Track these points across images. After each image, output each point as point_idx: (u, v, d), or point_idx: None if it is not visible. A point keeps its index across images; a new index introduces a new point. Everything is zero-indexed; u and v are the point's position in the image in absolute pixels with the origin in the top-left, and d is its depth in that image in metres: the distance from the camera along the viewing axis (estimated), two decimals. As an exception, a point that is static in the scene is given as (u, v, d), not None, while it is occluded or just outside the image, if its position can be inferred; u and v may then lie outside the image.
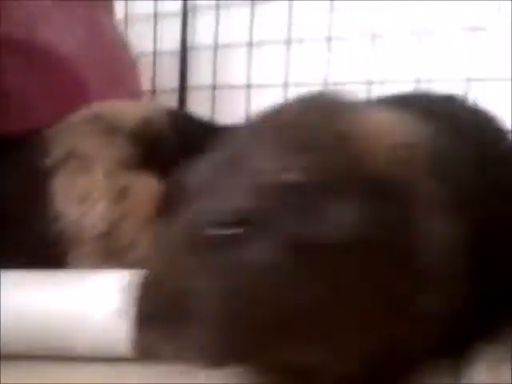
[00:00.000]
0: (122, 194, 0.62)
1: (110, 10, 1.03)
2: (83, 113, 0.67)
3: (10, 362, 0.53)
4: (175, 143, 0.65)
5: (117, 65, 0.99)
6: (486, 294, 0.46)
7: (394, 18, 1.02)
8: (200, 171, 0.43)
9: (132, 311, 0.39)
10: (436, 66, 0.99)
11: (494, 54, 0.94)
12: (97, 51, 0.91)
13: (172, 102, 1.23)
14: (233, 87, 1.18)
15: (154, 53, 1.25)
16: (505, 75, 0.90)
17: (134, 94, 1.05)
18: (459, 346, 0.48)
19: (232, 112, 1.18)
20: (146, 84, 1.22)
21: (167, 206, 0.53)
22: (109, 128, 0.64)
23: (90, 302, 0.56)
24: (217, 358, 0.37)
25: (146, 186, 0.62)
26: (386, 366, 0.45)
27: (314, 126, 0.43)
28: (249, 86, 1.16)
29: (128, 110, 0.67)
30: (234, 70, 1.18)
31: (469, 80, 0.93)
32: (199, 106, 1.21)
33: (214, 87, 1.20)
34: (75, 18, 0.91)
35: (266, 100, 1.14)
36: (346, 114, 0.45)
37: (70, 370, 0.55)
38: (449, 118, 0.55)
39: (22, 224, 0.62)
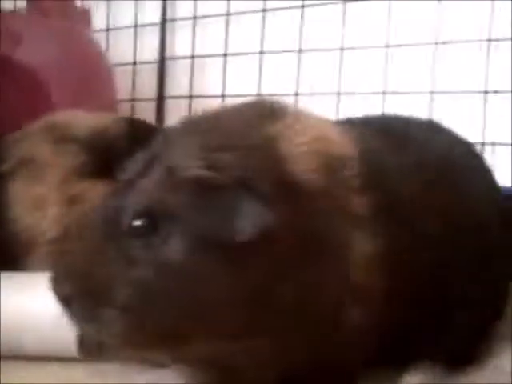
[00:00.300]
0: (74, 201, 0.64)
1: (86, 21, 1.06)
2: (40, 122, 0.70)
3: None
4: (131, 151, 0.68)
5: (91, 75, 1.02)
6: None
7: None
8: (127, 168, 0.45)
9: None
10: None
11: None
12: (70, 63, 0.94)
13: (150, 110, 1.26)
14: (209, 97, 1.21)
15: (134, 63, 1.28)
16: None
17: (109, 103, 1.08)
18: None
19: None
20: (125, 93, 1.26)
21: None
22: (62, 137, 0.67)
23: (41, 303, 0.59)
24: (129, 341, 0.40)
25: (98, 193, 0.65)
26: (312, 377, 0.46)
27: (242, 128, 0.45)
28: (224, 96, 1.19)
29: (83, 120, 0.69)
30: (209, 81, 1.21)
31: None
32: (176, 115, 1.24)
33: (190, 97, 1.23)
34: (50, 31, 0.94)
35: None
36: (278, 119, 0.46)
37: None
38: (411, 140, 0.57)
39: None
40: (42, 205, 0.64)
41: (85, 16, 1.06)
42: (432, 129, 0.64)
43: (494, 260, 0.55)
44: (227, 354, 0.41)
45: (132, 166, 0.45)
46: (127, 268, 0.40)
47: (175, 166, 0.41)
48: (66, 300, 0.41)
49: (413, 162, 0.53)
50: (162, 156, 0.43)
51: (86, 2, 1.29)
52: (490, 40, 0.93)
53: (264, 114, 0.47)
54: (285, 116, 0.47)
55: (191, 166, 0.40)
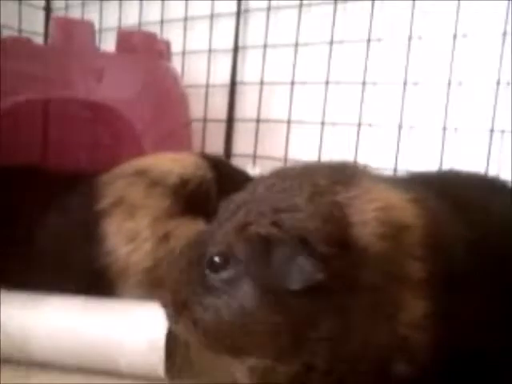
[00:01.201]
0: (165, 237, 0.74)
1: (167, 53, 1.16)
2: (131, 165, 0.79)
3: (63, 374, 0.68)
4: (212, 193, 0.77)
5: (168, 102, 1.12)
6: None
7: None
8: (218, 212, 0.57)
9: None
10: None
11: None
12: (151, 96, 1.04)
13: (220, 130, 1.35)
14: (275, 121, 1.28)
15: (207, 86, 1.38)
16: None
17: (183, 125, 1.18)
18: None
19: (273, 144, 1.29)
20: (197, 113, 1.35)
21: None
22: (153, 182, 0.76)
23: (134, 329, 0.69)
24: (201, 343, 0.53)
25: (185, 230, 0.74)
26: None
27: (313, 192, 0.52)
28: (289, 122, 1.26)
29: (170, 166, 0.78)
30: (276, 106, 1.29)
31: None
32: (244, 136, 1.33)
33: (258, 120, 1.31)
34: (133, 68, 1.04)
35: (304, 135, 1.25)
36: (350, 187, 0.53)
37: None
38: (473, 205, 0.60)
39: (78, 258, 0.75)
40: (135, 239, 0.74)
41: (166, 48, 1.16)
42: (494, 190, 0.68)
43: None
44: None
45: (221, 211, 0.56)
46: (203, 291, 0.52)
47: (248, 222, 0.51)
48: (163, 305, 0.55)
49: (473, 232, 0.56)
50: (242, 209, 0.53)
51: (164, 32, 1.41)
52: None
53: (339, 181, 0.54)
54: (359, 184, 0.53)
55: (260, 223, 0.50)
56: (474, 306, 0.54)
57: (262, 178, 0.58)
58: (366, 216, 0.50)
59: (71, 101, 0.89)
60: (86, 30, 0.97)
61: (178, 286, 0.54)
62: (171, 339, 0.67)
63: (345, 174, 0.56)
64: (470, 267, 0.54)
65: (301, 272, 0.47)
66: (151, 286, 0.74)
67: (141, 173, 0.78)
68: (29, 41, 1.06)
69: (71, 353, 0.69)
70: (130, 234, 0.74)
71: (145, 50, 1.07)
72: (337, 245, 0.48)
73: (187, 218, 0.75)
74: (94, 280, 0.74)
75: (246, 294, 0.49)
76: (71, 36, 0.96)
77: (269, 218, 0.50)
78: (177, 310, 0.53)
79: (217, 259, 0.51)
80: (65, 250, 0.78)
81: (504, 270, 0.56)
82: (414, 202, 0.55)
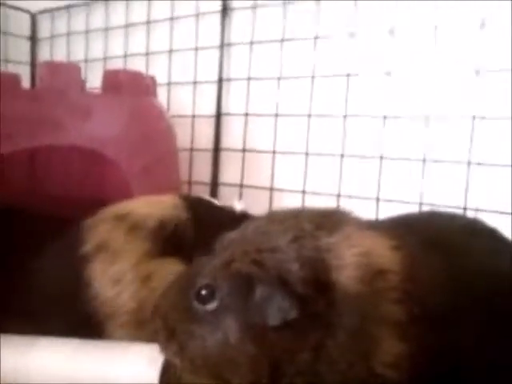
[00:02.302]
0: (147, 278, 0.77)
1: (152, 90, 1.19)
2: (113, 210, 0.82)
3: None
4: (188, 233, 0.80)
5: (154, 135, 1.14)
6: None
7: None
8: (218, 245, 0.60)
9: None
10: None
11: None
12: (136, 133, 1.06)
13: (207, 159, 1.38)
14: (260, 152, 1.32)
15: (193, 116, 1.41)
16: None
17: (170, 155, 1.20)
18: None
19: (259, 173, 1.31)
20: (184, 143, 1.38)
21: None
22: (133, 227, 0.79)
23: (127, 370, 0.71)
24: (186, 369, 0.57)
25: (167, 271, 0.77)
26: None
27: (297, 236, 0.55)
28: (274, 152, 1.29)
29: (148, 211, 0.81)
30: (262, 136, 1.32)
31: None
32: (230, 165, 1.36)
33: (244, 150, 1.34)
34: (119, 106, 1.06)
35: (288, 165, 1.29)
36: (333, 233, 0.56)
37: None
38: (452, 247, 0.63)
39: (66, 301, 0.77)
40: (119, 282, 0.77)
41: (152, 83, 1.18)
42: (474, 232, 0.70)
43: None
44: None
45: (217, 246, 0.60)
46: (190, 320, 0.56)
47: (233, 259, 0.55)
48: (155, 331, 0.59)
49: (452, 275, 0.59)
50: (230, 247, 0.57)
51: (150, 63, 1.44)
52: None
53: (323, 226, 0.57)
54: (341, 230, 0.57)
55: (243, 261, 0.54)
56: (450, 346, 0.56)
57: (253, 220, 0.62)
58: (345, 261, 0.54)
59: (57, 146, 0.90)
60: (74, 73, 0.99)
61: (167, 314, 0.58)
62: (166, 371, 0.69)
63: (330, 220, 0.59)
64: (447, 309, 0.57)
65: (278, 309, 0.51)
66: (137, 326, 0.76)
67: (122, 217, 0.81)
68: (17, 79, 1.07)
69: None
70: (114, 278, 0.77)
71: (130, 87, 1.09)
72: (314, 286, 0.52)
73: (166, 259, 0.78)
74: (84, 323, 0.76)
75: (228, 326, 0.53)
76: (59, 79, 0.98)
77: (251, 257, 0.54)
78: (166, 336, 0.57)
79: (204, 291, 0.55)
80: (54, 293, 0.80)
81: (482, 310, 0.59)
82: (395, 248, 0.57)
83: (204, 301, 0.55)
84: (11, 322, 0.78)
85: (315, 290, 0.51)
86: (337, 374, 0.53)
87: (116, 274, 0.78)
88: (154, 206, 0.83)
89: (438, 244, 0.63)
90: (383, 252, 0.57)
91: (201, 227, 0.80)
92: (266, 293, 0.52)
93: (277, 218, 0.59)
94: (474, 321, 0.59)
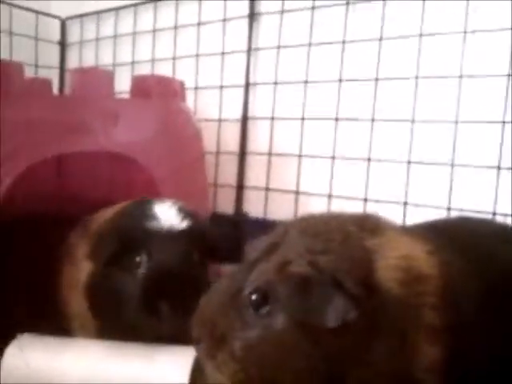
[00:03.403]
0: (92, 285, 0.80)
1: (181, 94, 1.20)
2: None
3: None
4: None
5: (182, 141, 1.15)
6: None
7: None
8: (251, 251, 0.60)
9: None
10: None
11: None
12: (164, 138, 1.08)
13: (233, 163, 1.39)
14: (286, 155, 1.32)
15: (219, 120, 1.42)
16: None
17: (197, 159, 1.22)
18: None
19: (285, 177, 1.32)
20: (211, 146, 1.39)
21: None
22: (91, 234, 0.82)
23: (158, 371, 0.72)
24: (236, 378, 0.55)
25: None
26: None
27: (345, 237, 0.56)
28: (300, 156, 1.29)
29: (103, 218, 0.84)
30: (288, 140, 1.32)
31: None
32: (256, 169, 1.37)
33: (269, 154, 1.34)
34: (147, 111, 1.07)
35: (314, 168, 1.28)
36: (377, 235, 0.57)
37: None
38: (482, 254, 0.64)
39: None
40: (71, 286, 0.82)
41: (180, 88, 1.20)
42: (506, 239, 0.70)
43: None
44: None
45: (256, 250, 0.59)
46: (241, 327, 0.55)
47: (287, 262, 0.55)
48: (197, 339, 0.58)
49: (483, 280, 0.60)
50: (279, 249, 0.57)
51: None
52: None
53: (366, 228, 0.58)
54: (383, 233, 0.58)
55: (299, 263, 0.54)
56: (485, 352, 0.57)
57: (291, 224, 0.62)
58: (389, 262, 0.55)
59: (86, 151, 0.92)
60: (105, 79, 1.01)
61: (214, 321, 0.57)
62: (196, 377, 0.70)
63: (370, 223, 0.60)
64: (481, 315, 0.58)
65: (336, 311, 0.50)
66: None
67: (88, 224, 0.86)
68: (49, 85, 1.09)
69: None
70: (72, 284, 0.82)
71: (159, 92, 1.11)
72: (365, 287, 0.52)
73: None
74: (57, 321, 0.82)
75: (284, 329, 0.53)
76: (90, 86, 1.00)
77: (306, 259, 0.54)
78: (214, 344, 0.56)
79: (255, 296, 0.55)
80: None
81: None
82: (432, 253, 0.59)
83: (257, 305, 0.55)
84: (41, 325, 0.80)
85: (367, 291, 0.52)
86: (382, 378, 0.53)
87: (68, 277, 0.83)
88: (104, 214, 0.86)
89: (471, 250, 0.64)
90: (421, 256, 0.58)
91: (108, 228, 0.81)
92: (324, 294, 0.51)
93: (319, 221, 0.60)
94: (506, 327, 0.59)
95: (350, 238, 0.56)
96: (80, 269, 0.81)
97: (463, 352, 0.55)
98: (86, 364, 0.74)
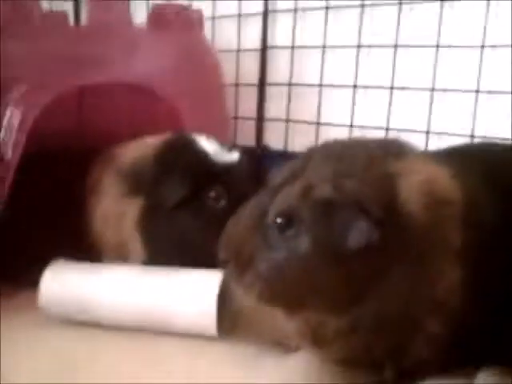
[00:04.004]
0: (122, 216, 0.85)
1: (200, 24, 1.17)
2: (108, 153, 0.91)
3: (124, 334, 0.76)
4: (151, 171, 0.83)
5: (201, 72, 1.14)
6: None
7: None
8: (277, 174, 0.61)
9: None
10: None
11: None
12: (184, 69, 1.07)
13: (252, 94, 1.37)
14: (306, 85, 1.30)
15: (238, 50, 1.39)
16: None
17: (218, 90, 1.21)
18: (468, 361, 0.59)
19: (305, 108, 1.31)
20: (229, 77, 1.37)
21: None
22: (116, 168, 0.86)
23: (187, 293, 0.76)
24: (260, 299, 0.57)
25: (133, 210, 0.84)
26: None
27: (369, 161, 0.57)
28: (321, 85, 1.27)
29: (131, 154, 0.88)
30: (308, 70, 1.29)
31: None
32: (276, 100, 1.35)
33: (289, 84, 1.32)
34: (167, 42, 1.06)
35: (335, 98, 1.26)
36: (400, 159, 0.58)
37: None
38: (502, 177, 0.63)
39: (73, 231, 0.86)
40: (107, 219, 0.85)
41: (198, 18, 1.17)
42: None
43: None
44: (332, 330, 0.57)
45: (280, 175, 0.60)
46: (267, 249, 0.57)
47: (311, 185, 0.56)
48: (224, 262, 0.60)
49: (506, 203, 0.60)
50: (304, 173, 0.58)
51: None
52: None
53: (390, 152, 0.59)
54: (406, 157, 0.59)
55: (323, 187, 0.55)
56: (505, 274, 0.58)
57: (314, 150, 0.62)
58: (413, 186, 0.55)
59: (105, 83, 0.92)
60: (122, 8, 0.99)
61: (241, 244, 0.58)
62: (224, 299, 0.74)
63: (394, 147, 0.61)
64: (502, 238, 0.58)
65: (359, 233, 0.52)
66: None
67: (111, 159, 0.89)
68: (65, 17, 1.08)
69: (131, 315, 0.76)
70: (102, 215, 0.86)
71: (178, 22, 1.09)
72: (388, 211, 0.53)
73: (135, 198, 0.84)
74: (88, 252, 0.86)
75: (308, 251, 0.54)
76: (107, 15, 0.99)
77: (331, 183, 0.54)
78: (241, 266, 0.58)
79: (280, 219, 0.56)
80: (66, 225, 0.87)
81: None
82: (454, 177, 0.59)
83: (282, 228, 0.56)
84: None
85: (390, 214, 0.53)
86: (402, 301, 0.54)
87: (102, 211, 0.86)
88: (137, 149, 0.87)
89: (494, 174, 0.64)
90: (444, 180, 0.58)
91: (161, 165, 0.82)
92: (347, 217, 0.52)
93: (344, 146, 0.60)
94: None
95: (373, 162, 0.57)
96: (121, 204, 0.84)
97: (484, 274, 0.56)
98: (121, 285, 0.78)
